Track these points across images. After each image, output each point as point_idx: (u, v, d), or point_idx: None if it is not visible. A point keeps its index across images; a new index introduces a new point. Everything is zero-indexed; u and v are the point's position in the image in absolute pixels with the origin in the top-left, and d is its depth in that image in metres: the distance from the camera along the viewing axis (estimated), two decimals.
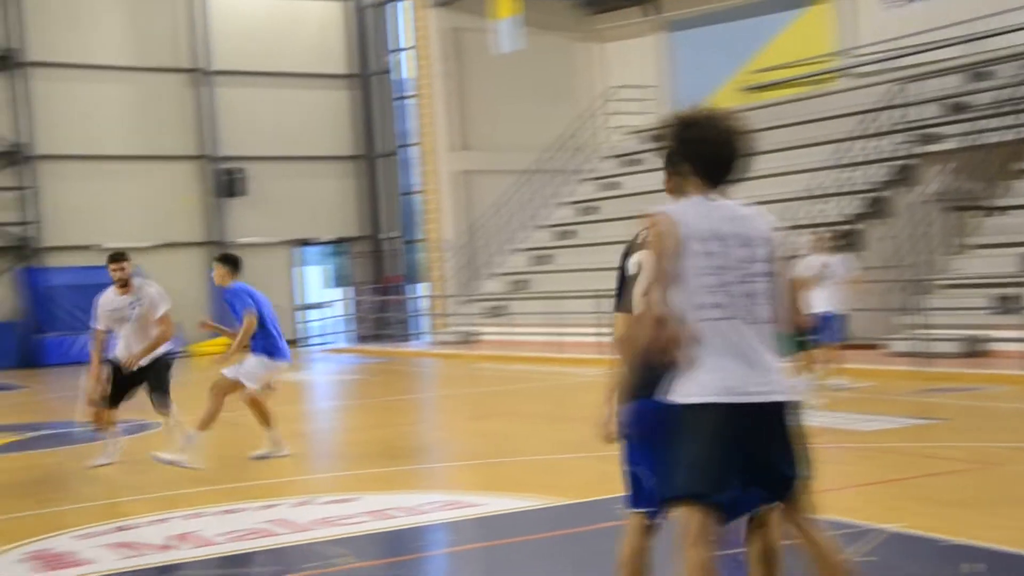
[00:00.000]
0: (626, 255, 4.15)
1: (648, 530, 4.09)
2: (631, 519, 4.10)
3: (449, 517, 6.98)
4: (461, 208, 26.15)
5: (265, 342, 9.56)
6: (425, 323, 26.54)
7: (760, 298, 3.75)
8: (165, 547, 6.45)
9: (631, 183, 24.55)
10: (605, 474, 8.20)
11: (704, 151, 3.78)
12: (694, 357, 3.67)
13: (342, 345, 26.97)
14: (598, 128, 26.90)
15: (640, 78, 26.70)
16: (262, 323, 9.56)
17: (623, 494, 4.16)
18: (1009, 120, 17.48)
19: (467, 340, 22.96)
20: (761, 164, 22.13)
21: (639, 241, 4.07)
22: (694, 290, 3.68)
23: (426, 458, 10.21)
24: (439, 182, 26.14)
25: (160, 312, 9.47)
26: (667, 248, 3.66)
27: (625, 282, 4.09)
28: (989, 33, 20.32)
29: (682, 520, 3.67)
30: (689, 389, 3.67)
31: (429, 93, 26.17)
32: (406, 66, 28.24)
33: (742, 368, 3.67)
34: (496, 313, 23.42)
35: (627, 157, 25.75)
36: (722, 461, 3.64)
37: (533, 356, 19.76)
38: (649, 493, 3.96)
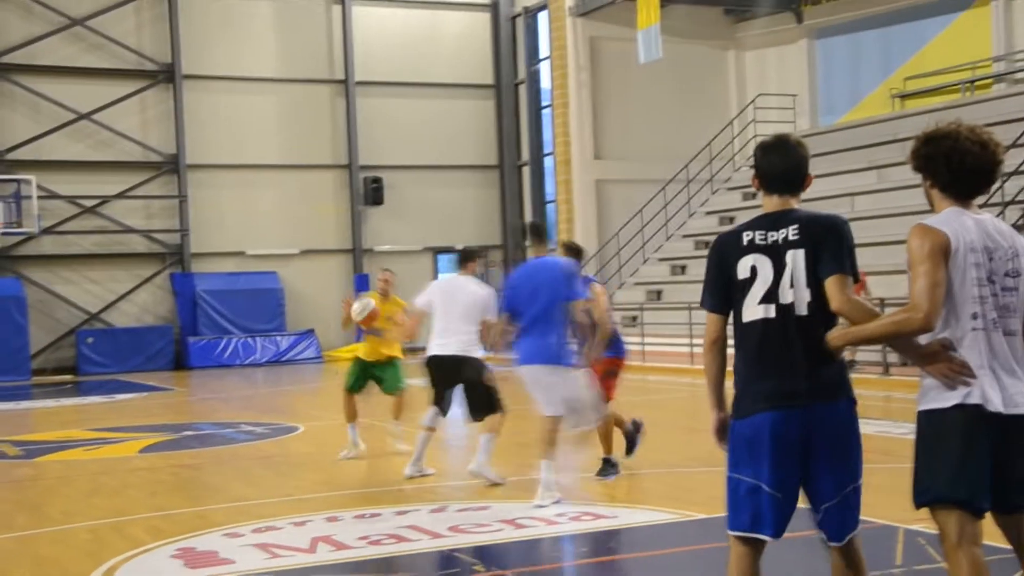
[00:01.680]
0: (722, 254, 4.03)
1: (753, 554, 4.02)
2: (733, 544, 4.05)
3: (580, 528, 7.00)
4: (595, 217, 26.13)
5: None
6: None
7: (1014, 311, 3.81)
8: (304, 550, 6.63)
9: None
10: None
11: (955, 164, 3.89)
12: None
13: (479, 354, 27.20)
14: (738, 137, 26.57)
15: (783, 86, 26.28)
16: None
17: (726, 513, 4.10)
18: None
19: None
20: (908, 174, 21.48)
21: (746, 244, 3.99)
22: (961, 301, 3.74)
23: (559, 467, 10.23)
24: (573, 191, 26.18)
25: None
26: (937, 259, 3.71)
27: (731, 284, 4.00)
28: None
29: (945, 525, 3.73)
30: (949, 395, 3.72)
31: (565, 103, 26.25)
32: (550, 75, 28.43)
33: (1004, 379, 3.74)
34: (631, 322, 23.33)
35: None
36: (981, 467, 3.70)
37: (667, 367, 19.61)
38: (754, 512, 3.91)
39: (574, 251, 8.95)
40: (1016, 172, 18.41)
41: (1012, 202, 18.20)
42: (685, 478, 8.78)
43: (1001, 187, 17.98)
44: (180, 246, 26.22)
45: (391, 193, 28.05)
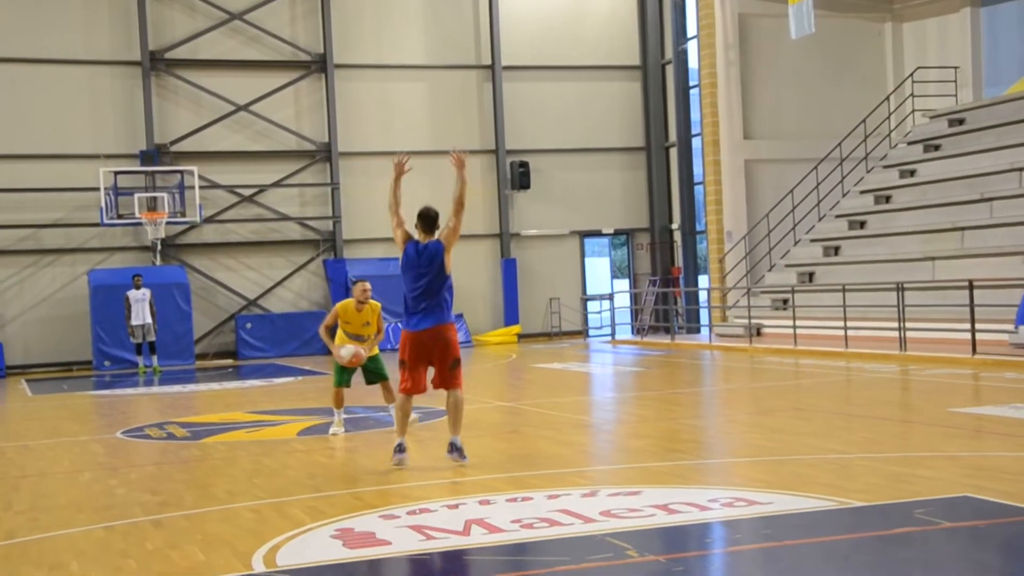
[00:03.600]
0: None
1: None
2: None
3: (733, 515, 6.89)
4: (745, 198, 25.69)
5: None
6: (707, 315, 26.27)
7: None
8: (458, 532, 6.72)
9: (928, 170, 23.34)
10: (895, 476, 7.87)
11: None
12: None
13: (624, 337, 27.13)
14: (894, 113, 25.72)
15: (943, 59, 25.31)
16: None
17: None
18: None
19: (751, 333, 22.54)
20: None
21: None
22: None
23: (710, 453, 10.11)
24: (722, 172, 25.78)
25: None
26: None
27: None
28: None
29: None
30: None
31: (713, 82, 25.85)
32: (698, 54, 28.05)
33: None
34: (781, 305, 22.87)
35: (926, 143, 24.49)
36: None
37: (820, 350, 19.16)
38: None
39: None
40: None
41: None
42: (842, 464, 8.56)
43: None
44: (332, 233, 26.87)
45: (537, 177, 28.15)
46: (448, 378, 9.04)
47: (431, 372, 9.14)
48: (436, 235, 9.20)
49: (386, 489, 8.41)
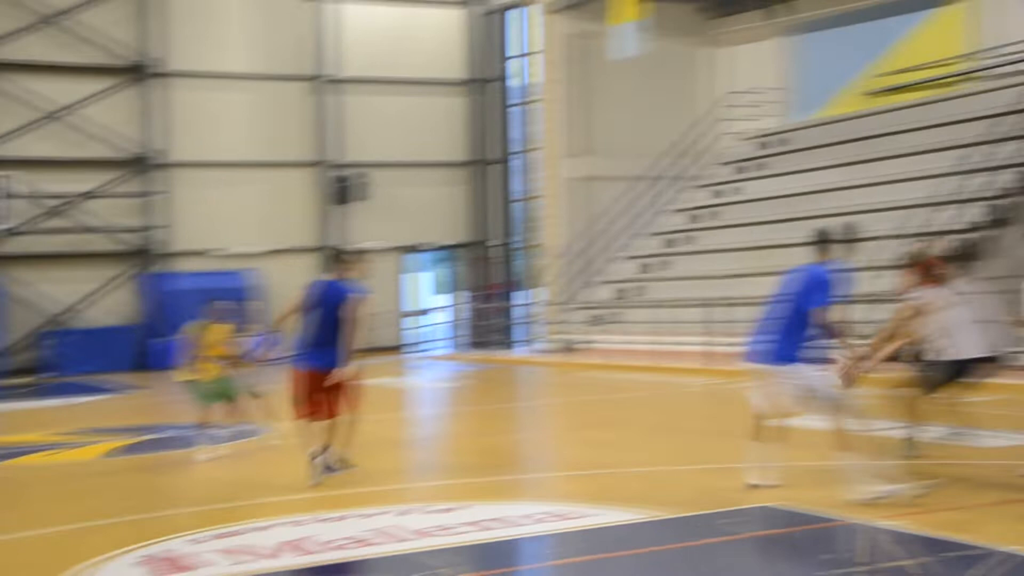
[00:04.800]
0: None
1: None
2: None
3: (553, 529, 6.94)
4: (577, 214, 26.02)
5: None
6: (531, 330, 26.56)
7: None
8: (274, 554, 6.53)
9: (747, 189, 24.22)
10: (711, 488, 8.09)
11: None
12: None
13: (447, 351, 27.15)
14: (716, 133, 26.59)
15: (755, 83, 26.32)
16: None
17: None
18: None
19: (573, 348, 22.89)
20: (883, 170, 21.66)
21: None
22: None
23: (530, 468, 10.18)
24: (557, 187, 26.11)
25: None
26: None
27: None
28: None
29: None
30: None
31: (552, 98, 26.16)
32: (526, 72, 28.35)
33: None
34: (604, 321, 23.31)
35: (743, 163, 25.42)
36: None
37: (639, 365, 19.60)
38: None
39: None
40: (987, 169, 18.49)
41: (975, 199, 18.30)
42: (652, 477, 8.74)
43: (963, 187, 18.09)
44: (149, 245, 25.94)
45: (365, 191, 27.87)
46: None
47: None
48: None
49: (196, 511, 8.12)
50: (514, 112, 28.74)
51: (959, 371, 8.75)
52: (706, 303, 18.83)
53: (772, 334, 7.66)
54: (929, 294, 8.71)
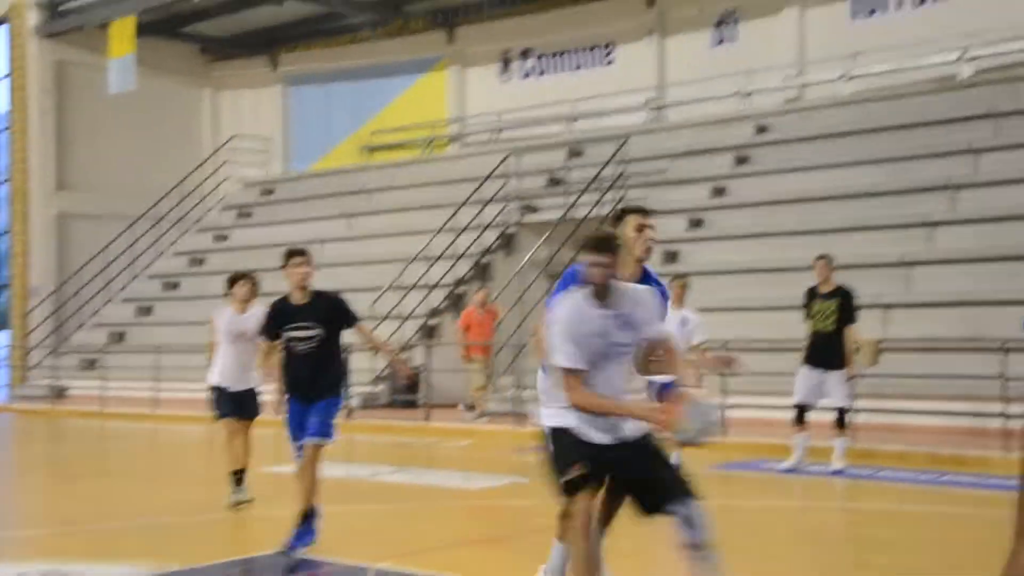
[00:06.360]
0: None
1: None
2: None
3: None
4: (56, 252, 24.51)
5: None
6: (7, 375, 24.49)
7: None
8: None
9: (242, 236, 24.13)
10: (213, 537, 7.94)
11: None
12: None
13: None
14: (213, 177, 26.27)
15: (259, 129, 26.48)
16: None
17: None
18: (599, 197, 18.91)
19: (56, 394, 21.43)
20: (374, 224, 22.55)
21: None
22: None
23: (18, 524, 9.38)
24: (30, 223, 24.37)
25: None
26: None
27: None
28: (587, 113, 22.11)
29: None
30: None
31: (24, 128, 24.44)
32: (5, 97, 26.30)
33: None
34: (90, 366, 22.06)
35: (240, 209, 25.33)
36: None
37: (129, 412, 18.77)
38: None
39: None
40: (473, 228, 19.91)
41: (462, 255, 19.65)
42: (157, 528, 8.42)
43: (452, 244, 19.39)
44: None
45: None
46: None
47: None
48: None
49: None
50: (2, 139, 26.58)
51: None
52: (197, 349, 18.48)
53: None
54: None
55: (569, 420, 4.67)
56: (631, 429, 4.64)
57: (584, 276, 4.63)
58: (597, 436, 4.63)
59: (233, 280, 9.30)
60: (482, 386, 16.13)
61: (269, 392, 7.89)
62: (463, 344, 16.36)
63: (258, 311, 8.82)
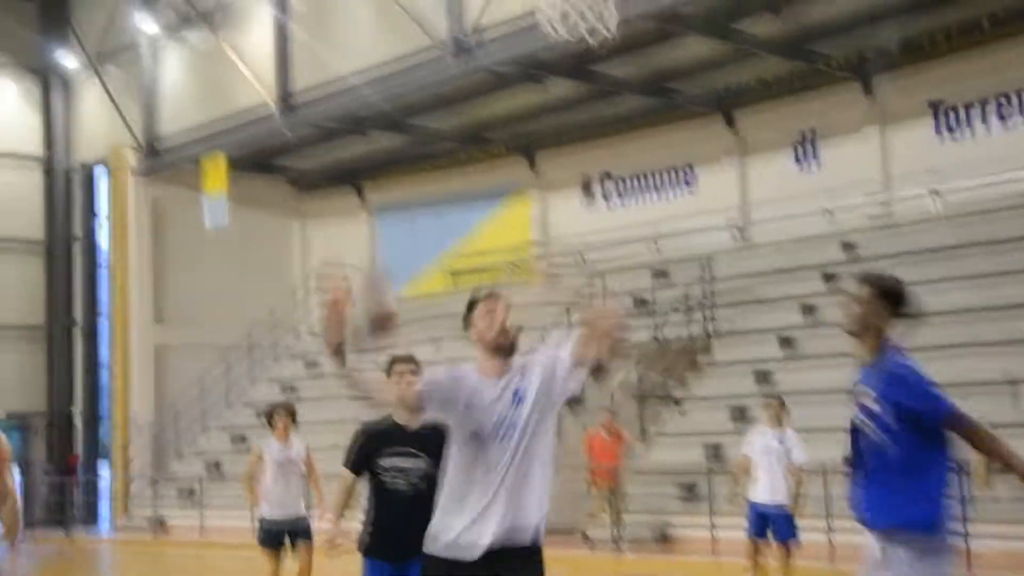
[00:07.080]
0: None
1: None
2: None
3: None
4: (153, 383, 25.13)
5: None
6: (109, 507, 24.94)
7: None
8: None
9: (330, 363, 24.47)
10: None
11: None
12: None
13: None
14: (304, 306, 26.87)
15: (347, 258, 27.07)
16: None
17: None
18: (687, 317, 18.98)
19: (157, 526, 21.76)
20: (462, 348, 22.55)
21: None
22: None
23: None
24: (131, 356, 25.09)
25: None
26: None
27: None
28: (670, 234, 22.28)
29: None
30: None
31: (124, 264, 25.35)
32: (106, 235, 27.35)
33: None
34: (188, 496, 22.41)
35: None
36: None
37: (228, 542, 18.96)
38: None
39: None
40: None
41: None
42: None
43: None
44: None
45: None
46: None
47: None
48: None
49: None
50: (100, 275, 27.56)
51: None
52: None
53: None
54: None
55: None
56: None
57: None
58: None
59: (271, 411, 9.54)
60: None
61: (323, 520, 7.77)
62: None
63: (297, 441, 9.34)
